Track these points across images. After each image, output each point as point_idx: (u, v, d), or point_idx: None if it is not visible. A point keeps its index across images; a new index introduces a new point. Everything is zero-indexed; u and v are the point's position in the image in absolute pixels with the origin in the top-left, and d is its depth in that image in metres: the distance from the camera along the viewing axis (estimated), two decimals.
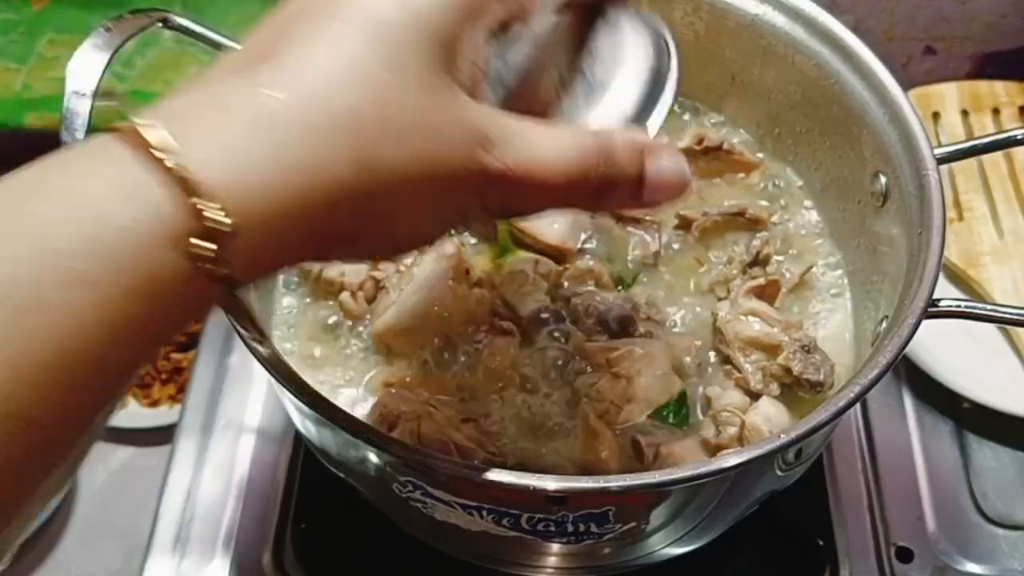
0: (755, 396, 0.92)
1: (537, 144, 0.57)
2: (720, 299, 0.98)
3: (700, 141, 1.08)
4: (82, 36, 0.91)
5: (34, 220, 0.44)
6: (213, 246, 0.46)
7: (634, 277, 0.98)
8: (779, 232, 1.04)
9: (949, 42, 1.52)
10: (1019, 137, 0.92)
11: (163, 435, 1.33)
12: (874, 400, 1.20)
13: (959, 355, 1.20)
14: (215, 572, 1.07)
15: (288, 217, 0.49)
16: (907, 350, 0.80)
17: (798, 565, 1.07)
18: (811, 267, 1.02)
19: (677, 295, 1.01)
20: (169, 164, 0.45)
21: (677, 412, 0.91)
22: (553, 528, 0.79)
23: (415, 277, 0.96)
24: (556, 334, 0.94)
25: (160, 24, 0.96)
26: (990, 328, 1.25)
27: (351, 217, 0.52)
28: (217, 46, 0.99)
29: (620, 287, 0.98)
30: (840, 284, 1.02)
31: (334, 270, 0.99)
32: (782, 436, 0.74)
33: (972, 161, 1.36)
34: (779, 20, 1.02)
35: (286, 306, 1.00)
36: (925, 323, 0.80)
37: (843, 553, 1.07)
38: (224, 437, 1.16)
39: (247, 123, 0.48)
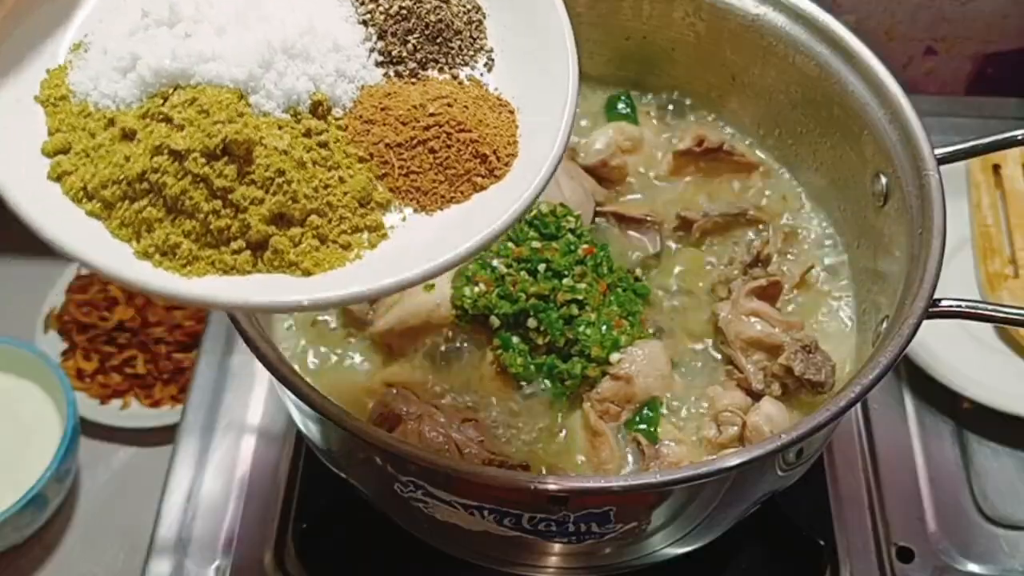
0: (756, 396, 0.92)
1: None
2: (721, 299, 0.98)
3: (700, 142, 1.08)
4: None
5: None
6: None
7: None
8: (779, 233, 1.04)
9: (950, 42, 1.52)
10: (1020, 137, 0.92)
11: (165, 435, 1.33)
12: (875, 400, 1.20)
13: (960, 355, 1.20)
14: (217, 571, 1.07)
15: None
16: (908, 350, 0.80)
17: (799, 565, 1.07)
18: (811, 267, 1.02)
19: (678, 295, 1.01)
20: None
21: (646, 421, 0.91)
22: (554, 528, 0.79)
23: None
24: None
25: None
26: (991, 328, 1.25)
27: None
28: None
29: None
30: (841, 284, 1.03)
31: None
32: (783, 436, 0.74)
33: None
34: (780, 20, 1.02)
35: None
36: (926, 323, 0.80)
37: (844, 553, 1.07)
38: (226, 437, 1.16)
39: None
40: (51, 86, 0.69)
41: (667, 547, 0.91)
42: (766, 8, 1.03)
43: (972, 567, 1.08)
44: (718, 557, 1.05)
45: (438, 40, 0.74)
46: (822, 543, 1.06)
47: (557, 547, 0.88)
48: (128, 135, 0.65)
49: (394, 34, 0.73)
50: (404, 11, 0.73)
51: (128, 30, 0.69)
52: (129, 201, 0.63)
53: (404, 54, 0.73)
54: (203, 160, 0.62)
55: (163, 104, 0.65)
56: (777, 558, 1.07)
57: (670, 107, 1.16)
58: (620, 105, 1.15)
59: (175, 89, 0.66)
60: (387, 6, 0.73)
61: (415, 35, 0.73)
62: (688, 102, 1.16)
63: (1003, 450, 1.19)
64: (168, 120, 0.64)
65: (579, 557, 0.92)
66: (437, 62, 0.74)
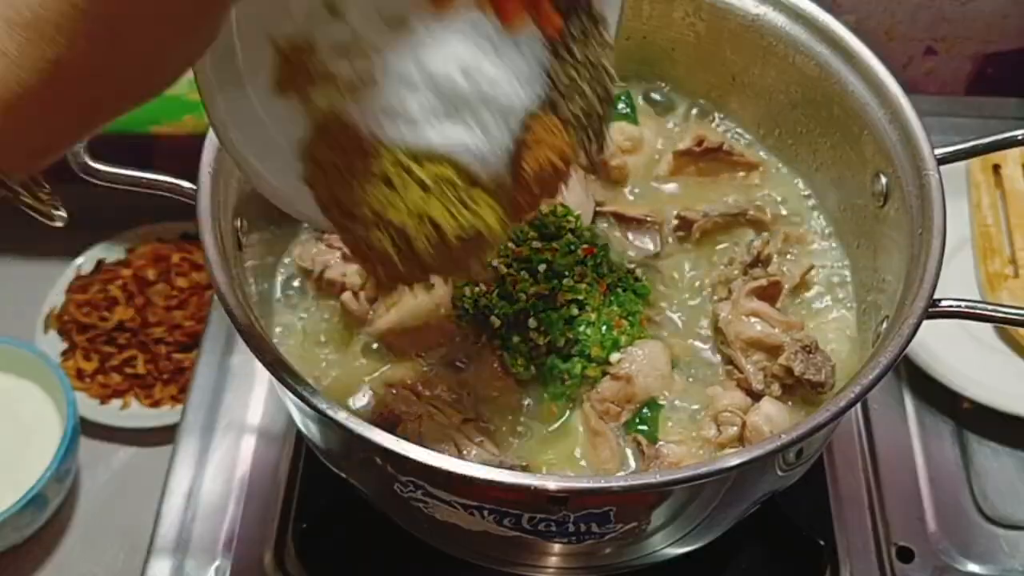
0: (756, 396, 0.92)
1: None
2: (721, 299, 0.98)
3: (700, 142, 1.08)
4: None
5: None
6: None
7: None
8: (779, 233, 1.04)
9: (950, 42, 1.52)
10: (1020, 137, 0.92)
11: (165, 435, 1.33)
12: (875, 400, 1.20)
13: (960, 355, 1.20)
14: (217, 571, 1.07)
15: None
16: (908, 350, 0.80)
17: (799, 565, 1.07)
18: (811, 267, 1.02)
19: (678, 295, 1.01)
20: None
21: (646, 421, 0.91)
22: (554, 528, 0.79)
23: None
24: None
25: None
26: (991, 328, 1.25)
27: (79, 40, 0.52)
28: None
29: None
30: (841, 284, 1.03)
31: (336, 271, 0.99)
32: (783, 436, 0.74)
33: None
34: (780, 20, 1.02)
35: (288, 307, 1.00)
36: (926, 323, 0.80)
37: (844, 553, 1.07)
38: (226, 437, 1.16)
39: None
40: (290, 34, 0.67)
41: (667, 547, 0.91)
42: (766, 8, 1.03)
43: (972, 567, 1.08)
44: (718, 557, 1.05)
45: None
46: (822, 543, 1.06)
47: (557, 547, 0.88)
48: (383, 177, 0.68)
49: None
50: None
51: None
52: (373, 227, 0.69)
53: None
54: (452, 237, 0.69)
55: (413, 162, 0.68)
56: (777, 558, 1.07)
57: (670, 107, 1.16)
58: (620, 105, 1.15)
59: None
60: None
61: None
62: (688, 102, 1.16)
63: (1003, 450, 1.19)
64: (424, 187, 0.68)
65: (579, 557, 0.92)
66: None
